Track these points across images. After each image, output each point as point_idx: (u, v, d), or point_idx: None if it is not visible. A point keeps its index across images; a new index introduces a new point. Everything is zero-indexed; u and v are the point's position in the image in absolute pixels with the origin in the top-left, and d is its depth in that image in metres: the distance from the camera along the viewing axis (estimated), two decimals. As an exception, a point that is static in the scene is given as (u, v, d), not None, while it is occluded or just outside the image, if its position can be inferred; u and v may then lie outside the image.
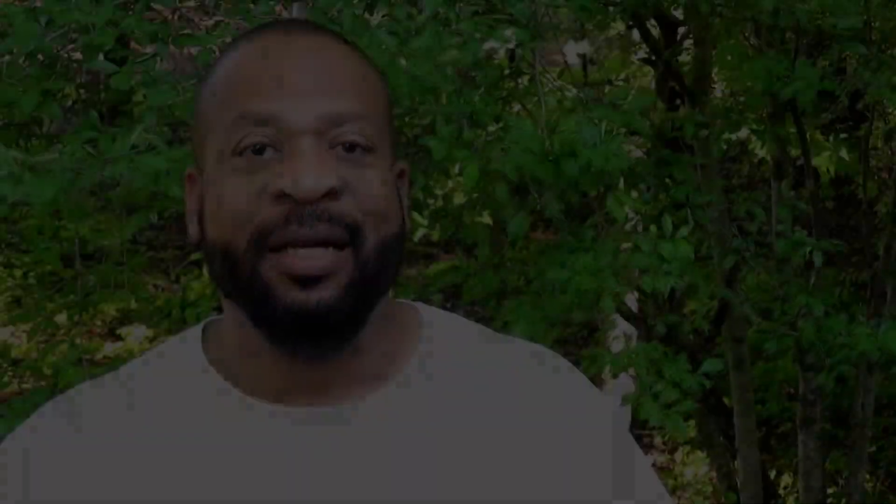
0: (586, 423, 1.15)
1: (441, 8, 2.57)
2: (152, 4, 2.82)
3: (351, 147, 1.03)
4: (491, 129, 2.60)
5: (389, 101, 1.14)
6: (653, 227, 2.75)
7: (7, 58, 2.32)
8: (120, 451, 1.07)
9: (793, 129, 4.70)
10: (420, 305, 1.20)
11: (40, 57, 2.45)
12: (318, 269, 1.00)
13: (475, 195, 2.56)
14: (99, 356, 7.72)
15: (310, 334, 1.02)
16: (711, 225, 3.87)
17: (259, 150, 1.02)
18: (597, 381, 6.78)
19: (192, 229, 1.11)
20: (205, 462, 1.05)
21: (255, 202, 1.01)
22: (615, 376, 2.89)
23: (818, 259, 3.41)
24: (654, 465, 7.40)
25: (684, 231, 2.73)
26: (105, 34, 2.34)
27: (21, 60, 2.35)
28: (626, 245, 2.98)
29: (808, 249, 3.42)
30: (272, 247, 1.00)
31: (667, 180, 3.58)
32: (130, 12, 2.71)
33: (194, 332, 1.15)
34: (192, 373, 1.11)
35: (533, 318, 2.76)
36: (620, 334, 4.81)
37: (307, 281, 1.00)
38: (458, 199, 3.22)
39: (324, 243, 1.00)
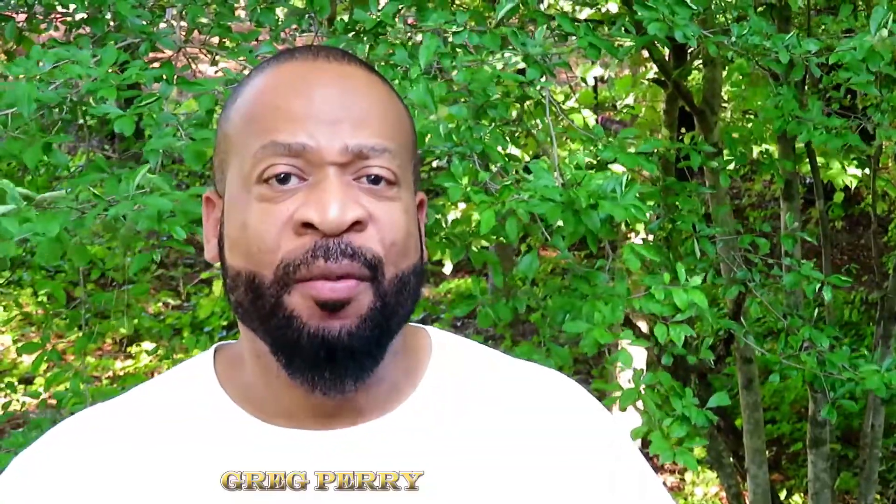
0: (597, 448, 1.15)
1: (436, 59, 2.59)
2: (158, 44, 2.83)
3: (376, 179, 1.03)
4: (509, 172, 2.63)
5: (413, 131, 1.13)
6: (666, 275, 2.76)
7: (10, 111, 2.34)
8: (129, 476, 1.07)
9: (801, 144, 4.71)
10: (431, 330, 1.20)
11: (41, 113, 2.47)
12: (344, 293, 1.00)
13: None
14: (108, 374, 7.74)
15: (332, 362, 1.01)
16: (720, 252, 3.87)
17: (284, 178, 1.01)
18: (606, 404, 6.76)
19: (210, 252, 1.11)
20: (215, 487, 1.05)
21: (280, 233, 1.00)
22: (623, 409, 2.88)
23: (828, 294, 3.42)
24: (663, 485, 7.38)
25: (697, 280, 2.75)
26: (108, 89, 2.37)
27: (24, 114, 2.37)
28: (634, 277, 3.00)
29: (818, 285, 3.42)
30: (297, 280, 1.00)
31: (674, 210, 3.59)
32: (134, 53, 2.74)
33: (205, 357, 1.15)
34: (204, 396, 1.11)
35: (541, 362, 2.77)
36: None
37: (332, 306, 1.00)
38: (462, 223, 3.24)
39: (346, 277, 1.00)
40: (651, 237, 4.10)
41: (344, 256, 1.00)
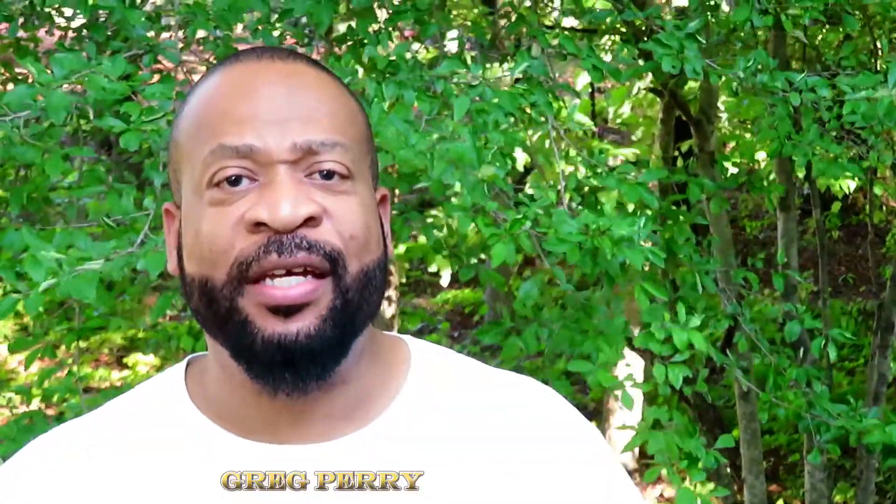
0: (592, 457, 1.14)
1: (469, 113, 2.61)
2: (159, 57, 2.83)
3: (329, 174, 1.01)
4: (511, 197, 2.67)
5: (367, 126, 1.12)
6: (666, 314, 2.82)
7: (23, 114, 2.33)
8: (100, 490, 1.06)
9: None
10: (408, 339, 1.18)
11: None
12: (297, 298, 0.98)
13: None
14: (105, 384, 7.73)
15: (292, 366, 1.00)
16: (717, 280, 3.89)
17: (235, 181, 1.00)
18: (601, 417, 6.75)
19: (171, 264, 1.09)
20: (185, 495, 1.04)
21: (233, 233, 0.99)
22: (651, 452, 2.93)
23: (833, 353, 3.44)
24: (661, 496, 7.37)
25: (696, 321, 2.80)
26: (131, 105, 2.37)
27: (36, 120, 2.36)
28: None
29: (823, 340, 3.44)
30: (252, 279, 0.99)
31: (670, 239, 3.61)
32: (139, 64, 2.74)
33: (177, 369, 1.13)
34: (174, 409, 1.10)
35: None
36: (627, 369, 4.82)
37: (287, 311, 0.98)
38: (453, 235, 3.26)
39: (303, 271, 0.99)
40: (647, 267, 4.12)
41: (299, 250, 0.98)
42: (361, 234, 1.02)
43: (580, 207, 2.70)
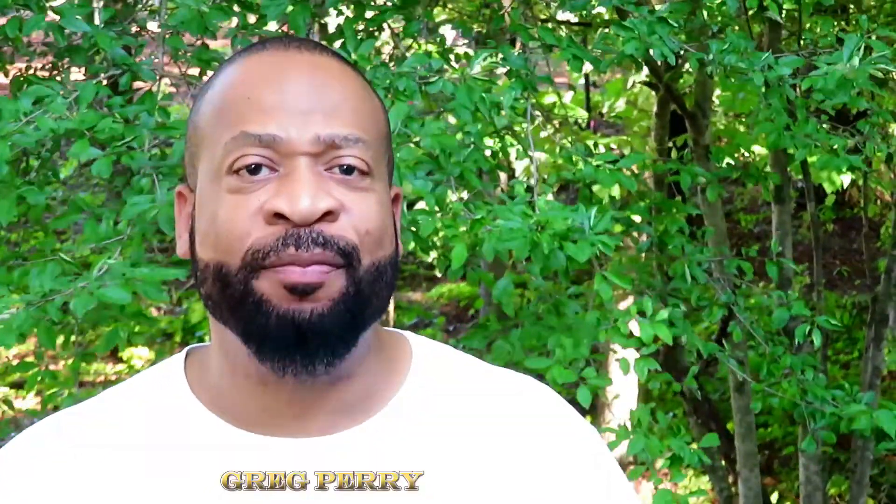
0: (572, 452, 1.14)
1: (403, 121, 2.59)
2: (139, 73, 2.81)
3: (348, 170, 1.02)
4: (484, 195, 2.66)
5: (387, 124, 1.13)
6: (633, 308, 2.82)
7: None
8: (96, 483, 1.05)
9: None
10: (410, 335, 1.18)
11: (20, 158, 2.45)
12: (313, 278, 0.99)
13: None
14: (100, 378, 7.71)
15: (304, 345, 1.00)
16: (712, 269, 3.88)
17: (255, 169, 1.01)
18: (597, 409, 6.76)
19: (181, 247, 1.09)
20: (185, 492, 1.04)
21: (250, 222, 1.00)
22: (618, 449, 2.94)
23: (817, 339, 3.43)
24: (656, 489, 7.38)
25: (664, 314, 2.80)
26: (82, 142, 2.38)
27: None
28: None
29: (808, 327, 3.45)
30: (267, 266, 0.99)
31: (662, 230, 3.60)
32: (116, 85, 2.73)
33: (176, 360, 1.13)
34: (173, 401, 1.08)
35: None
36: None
37: (303, 290, 0.99)
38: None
39: (317, 264, 0.99)
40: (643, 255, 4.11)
41: (315, 245, 0.99)
42: (376, 230, 1.03)
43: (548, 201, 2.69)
